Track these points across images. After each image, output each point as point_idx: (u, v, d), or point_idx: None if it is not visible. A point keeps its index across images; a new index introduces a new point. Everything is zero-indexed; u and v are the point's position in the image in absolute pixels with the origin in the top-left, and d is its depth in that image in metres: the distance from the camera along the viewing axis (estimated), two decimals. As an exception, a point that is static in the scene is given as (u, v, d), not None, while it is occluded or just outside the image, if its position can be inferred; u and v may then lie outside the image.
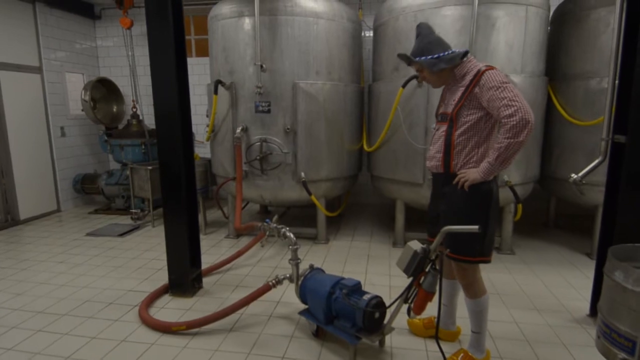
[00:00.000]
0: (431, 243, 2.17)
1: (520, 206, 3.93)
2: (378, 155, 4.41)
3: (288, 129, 4.12)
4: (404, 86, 3.83)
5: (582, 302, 3.07)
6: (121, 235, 4.85)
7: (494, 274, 3.58)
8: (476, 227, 1.92)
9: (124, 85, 6.51)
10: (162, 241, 3.38)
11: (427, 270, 2.13)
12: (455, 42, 3.51)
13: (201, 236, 3.83)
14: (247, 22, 4.06)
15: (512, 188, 3.77)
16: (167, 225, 3.21)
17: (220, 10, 4.28)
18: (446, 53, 2.15)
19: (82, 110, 5.92)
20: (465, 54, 2.17)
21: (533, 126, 1.96)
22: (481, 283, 2.25)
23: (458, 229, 2.00)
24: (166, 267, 3.28)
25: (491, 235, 2.19)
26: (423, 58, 2.16)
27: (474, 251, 2.16)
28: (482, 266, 2.23)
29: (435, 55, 2.14)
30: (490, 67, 2.09)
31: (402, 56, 2.25)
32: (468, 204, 2.14)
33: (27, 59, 5.55)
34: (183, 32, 3.07)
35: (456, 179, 2.16)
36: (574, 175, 2.70)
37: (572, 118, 3.99)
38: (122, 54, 6.47)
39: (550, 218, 5.02)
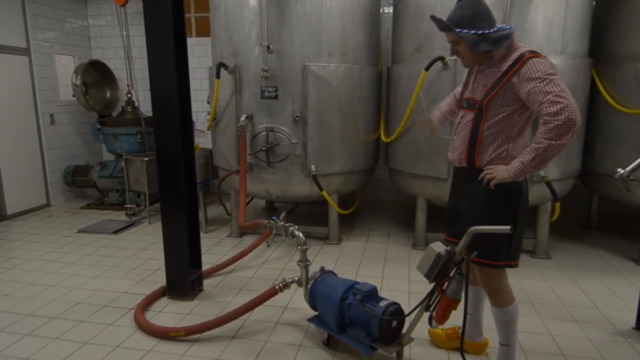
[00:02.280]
0: (453, 244, 2.15)
1: (557, 205, 3.87)
2: (397, 146, 4.39)
3: (297, 117, 4.12)
4: (427, 69, 3.78)
5: (627, 313, 3.02)
6: (115, 232, 4.93)
7: (527, 280, 3.54)
8: (507, 227, 1.89)
9: (118, 69, 6.57)
10: (160, 239, 3.42)
11: (451, 275, 2.12)
12: (486, 19, 3.44)
13: (202, 234, 3.86)
14: (252, -2, 4.06)
15: (549, 184, 3.71)
16: (164, 222, 3.24)
17: (223, -15, 4.28)
18: (492, 30, 2.03)
19: (73, 96, 6.01)
20: (511, 33, 2.06)
21: (579, 128, 1.91)
22: (508, 290, 2.23)
23: (487, 230, 1.98)
24: (164, 268, 3.32)
25: (519, 238, 2.16)
26: (465, 31, 2.03)
27: (498, 254, 2.13)
28: (512, 271, 2.22)
29: (480, 32, 2.03)
30: (535, 54, 2.01)
31: (437, 20, 2.11)
32: (493, 203, 2.11)
33: (13, 39, 5.64)
34: (182, 9, 3.08)
35: (482, 175, 2.13)
36: (620, 170, 2.64)
37: (620, 105, 3.90)
38: (116, 34, 6.52)
39: (592, 218, 4.94)
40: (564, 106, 1.89)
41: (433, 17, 2.14)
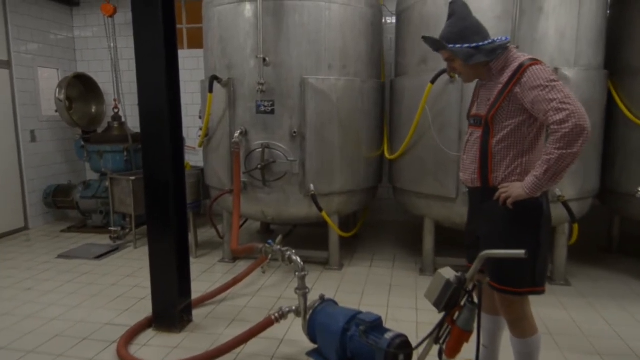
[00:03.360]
0: (469, 270, 2.14)
1: (576, 227, 3.86)
2: (402, 163, 4.40)
3: (295, 132, 4.14)
4: (433, 81, 3.83)
5: (655, 344, 2.98)
6: (98, 257, 4.89)
7: (545, 309, 3.50)
8: (522, 251, 1.88)
9: (104, 82, 6.64)
10: (146, 265, 3.39)
11: (462, 304, 2.10)
12: (494, 29, 3.45)
13: (191, 260, 3.84)
14: (248, 9, 4.13)
15: (565, 204, 3.70)
16: (151, 246, 3.23)
17: (216, -5, 4.37)
18: (486, 42, 2.13)
19: (56, 111, 6.05)
20: (507, 43, 2.16)
21: (590, 134, 1.92)
22: (531, 319, 2.21)
23: (500, 254, 1.97)
24: (150, 296, 3.28)
25: (543, 261, 2.15)
26: (458, 46, 2.14)
27: (522, 280, 2.12)
28: (531, 299, 2.19)
29: (474, 45, 2.12)
30: (536, 61, 2.07)
31: (429, 40, 2.23)
32: (513, 223, 2.11)
33: (-6, 52, 5.72)
34: (174, 20, 3.13)
35: (497, 194, 2.14)
36: (642, 189, 2.65)
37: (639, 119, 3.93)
38: (103, 46, 6.62)
39: (613, 241, 4.91)
40: (570, 112, 1.91)
41: (425, 38, 2.25)
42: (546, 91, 1.97)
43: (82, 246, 5.32)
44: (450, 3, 2.22)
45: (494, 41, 2.15)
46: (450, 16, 2.19)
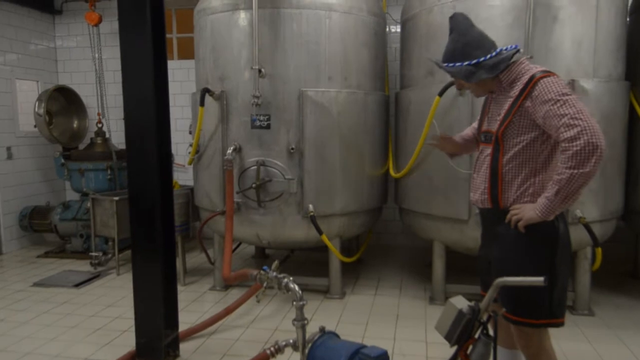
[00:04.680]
0: (483, 299, 2.13)
1: (599, 251, 3.84)
2: (409, 182, 4.40)
3: (292, 149, 4.16)
4: (441, 94, 3.86)
5: (689, 381, 2.94)
6: (77, 285, 4.86)
7: (567, 342, 3.46)
8: (540, 279, 1.87)
9: (87, 95, 6.71)
10: (129, 294, 3.37)
11: (476, 336, 2.08)
12: (505, 39, 3.53)
13: (179, 288, 3.81)
14: (242, 17, 4.20)
15: (587, 227, 3.70)
16: (136, 273, 3.21)
17: (209, 3, 4.44)
18: (488, 57, 2.15)
19: (35, 126, 6.10)
20: (514, 54, 2.18)
21: (604, 152, 1.93)
22: (551, 353, 2.20)
23: (516, 281, 1.96)
24: (133, 329, 3.25)
25: (562, 289, 2.15)
26: (458, 65, 2.17)
27: (539, 311, 2.12)
28: (551, 331, 2.18)
29: (474, 61, 2.15)
30: (548, 73, 2.09)
31: (433, 61, 2.33)
32: (526, 249, 2.11)
33: (-30, 63, 5.80)
34: (163, 29, 3.18)
35: (508, 217, 2.15)
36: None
37: (664, 134, 3.97)
38: (87, 57, 6.71)
39: (640, 266, 4.89)
40: (582, 129, 1.92)
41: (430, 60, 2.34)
42: (557, 106, 1.99)
43: (60, 273, 5.28)
44: (450, 18, 2.27)
45: (497, 53, 2.17)
46: (450, 32, 2.24)
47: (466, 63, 2.15)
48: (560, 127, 1.97)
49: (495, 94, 2.27)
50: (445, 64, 2.21)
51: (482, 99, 2.49)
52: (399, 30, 5.23)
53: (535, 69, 2.14)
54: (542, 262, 2.09)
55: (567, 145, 1.95)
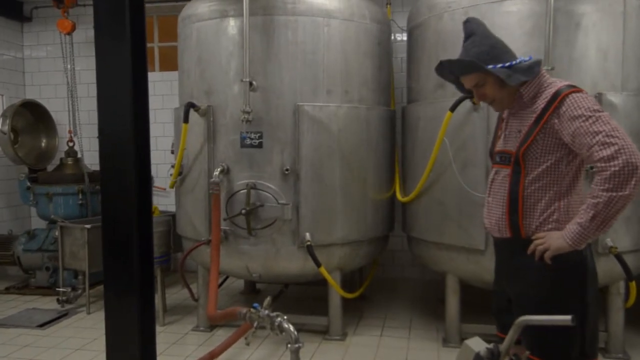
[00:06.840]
0: (501, 340, 2.11)
1: (633, 285, 3.84)
2: (418, 207, 4.41)
3: (287, 170, 4.17)
4: (452, 109, 3.89)
5: None
6: (42, 326, 4.81)
7: (600, 390, 3.43)
8: (568, 317, 1.85)
9: (58, 111, 6.74)
10: (101, 335, 3.32)
11: (496, 383, 2.05)
12: (523, 49, 3.57)
13: (158, 328, 3.78)
14: (232, 25, 4.26)
15: (619, 258, 3.69)
16: (108, 311, 3.17)
17: (195, 10, 4.51)
18: (519, 61, 2.19)
19: (-2, 145, 6.11)
20: (539, 62, 2.22)
21: None
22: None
23: (541, 321, 1.94)
24: (105, 376, 3.21)
25: (593, 328, 2.15)
26: (499, 66, 2.15)
27: (569, 353, 2.11)
28: (582, 377, 2.16)
29: (507, 64, 2.17)
30: (576, 89, 2.12)
31: (452, 63, 2.26)
32: (552, 283, 2.11)
33: None
34: (143, 37, 3.20)
35: (531, 247, 2.14)
36: None
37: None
38: (58, 68, 6.75)
39: (680, 302, 4.87)
40: (619, 147, 1.94)
41: (445, 62, 2.26)
42: (589, 122, 2.00)
43: (22, 312, 5.23)
44: (465, 22, 2.30)
45: (521, 60, 2.21)
46: (469, 36, 2.26)
47: (500, 65, 2.16)
48: (594, 146, 1.98)
49: (514, 109, 2.28)
50: (487, 65, 2.15)
51: (496, 114, 2.50)
52: (405, 38, 5.31)
53: (560, 82, 2.17)
54: (570, 298, 2.09)
55: (603, 165, 1.96)
